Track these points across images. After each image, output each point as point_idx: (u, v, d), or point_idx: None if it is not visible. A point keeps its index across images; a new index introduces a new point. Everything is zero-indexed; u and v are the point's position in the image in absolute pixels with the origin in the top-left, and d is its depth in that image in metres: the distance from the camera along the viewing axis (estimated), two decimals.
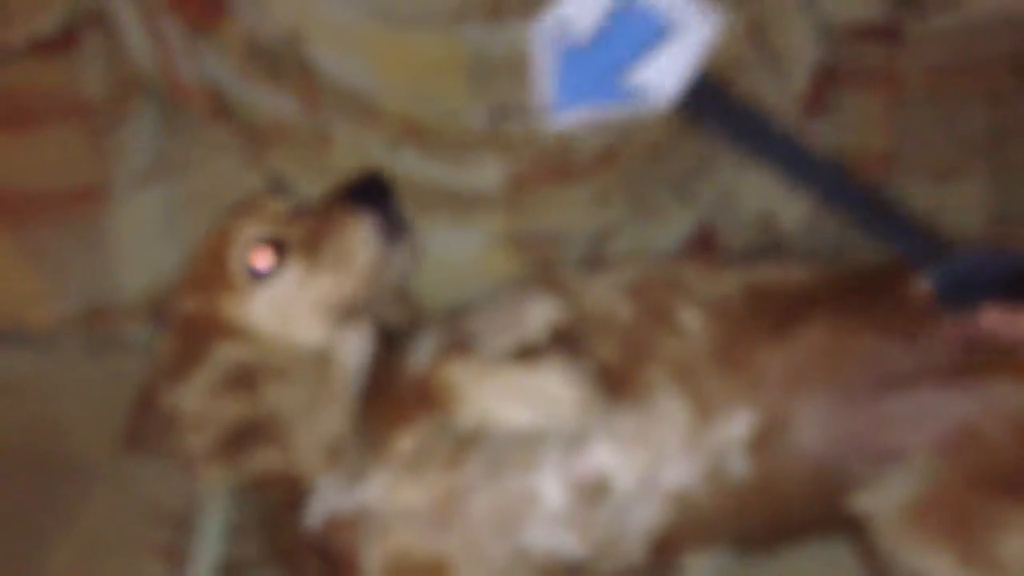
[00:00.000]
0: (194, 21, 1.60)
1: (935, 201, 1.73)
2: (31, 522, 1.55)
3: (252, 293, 1.45)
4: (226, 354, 1.43)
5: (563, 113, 1.61)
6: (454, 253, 1.73)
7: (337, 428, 1.42)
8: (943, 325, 1.44)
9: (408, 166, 1.68)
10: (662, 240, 1.77)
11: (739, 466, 1.42)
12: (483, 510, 1.43)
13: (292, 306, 1.45)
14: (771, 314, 1.49)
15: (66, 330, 1.75)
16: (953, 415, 1.40)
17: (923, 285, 1.47)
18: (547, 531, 1.43)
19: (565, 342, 1.48)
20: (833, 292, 1.51)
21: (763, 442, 1.42)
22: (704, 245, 1.78)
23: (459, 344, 1.51)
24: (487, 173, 1.68)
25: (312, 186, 1.71)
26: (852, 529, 1.44)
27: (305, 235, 1.47)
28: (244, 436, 1.40)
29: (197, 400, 1.41)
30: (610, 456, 1.43)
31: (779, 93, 1.69)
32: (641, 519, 1.43)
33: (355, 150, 1.68)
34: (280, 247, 1.46)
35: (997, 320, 1.41)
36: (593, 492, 1.43)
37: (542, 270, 1.73)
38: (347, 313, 1.47)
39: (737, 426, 1.42)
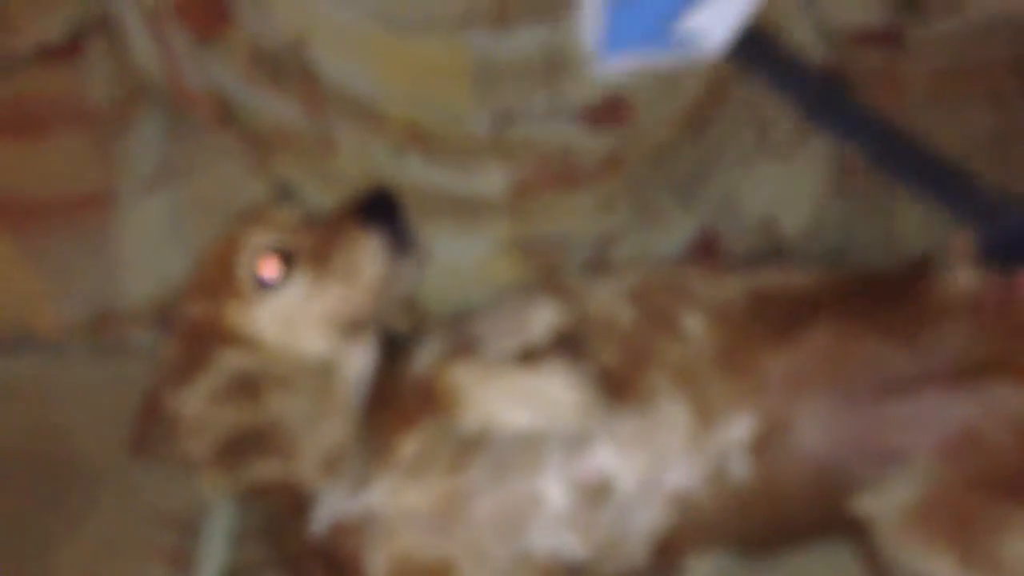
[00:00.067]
0: (199, 28, 1.61)
1: (935, 208, 1.73)
2: (37, 526, 1.55)
3: (258, 302, 1.46)
4: (229, 361, 1.43)
5: (611, 59, 1.60)
6: (458, 259, 1.73)
7: (338, 439, 1.42)
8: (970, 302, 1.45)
9: (412, 172, 1.68)
10: (665, 245, 1.78)
11: (741, 468, 1.42)
12: (486, 512, 1.44)
13: (298, 317, 1.46)
14: (773, 319, 1.49)
15: (72, 335, 1.75)
16: (955, 418, 1.40)
17: (969, 241, 1.48)
18: (550, 533, 1.43)
19: (568, 346, 1.49)
20: (835, 296, 1.51)
21: (765, 445, 1.42)
22: (706, 250, 1.78)
23: (462, 348, 1.51)
24: (491, 179, 1.69)
25: (317, 192, 1.73)
26: (854, 532, 1.44)
27: (313, 247, 1.48)
28: (244, 444, 1.41)
29: (198, 405, 1.42)
30: (612, 458, 1.43)
31: (778, 100, 1.69)
32: (643, 521, 1.44)
33: (359, 156, 1.68)
34: (288, 257, 1.46)
35: None
36: (595, 494, 1.43)
37: (546, 275, 1.73)
38: (352, 326, 1.48)
39: (739, 429, 1.42)
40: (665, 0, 1.57)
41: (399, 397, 1.49)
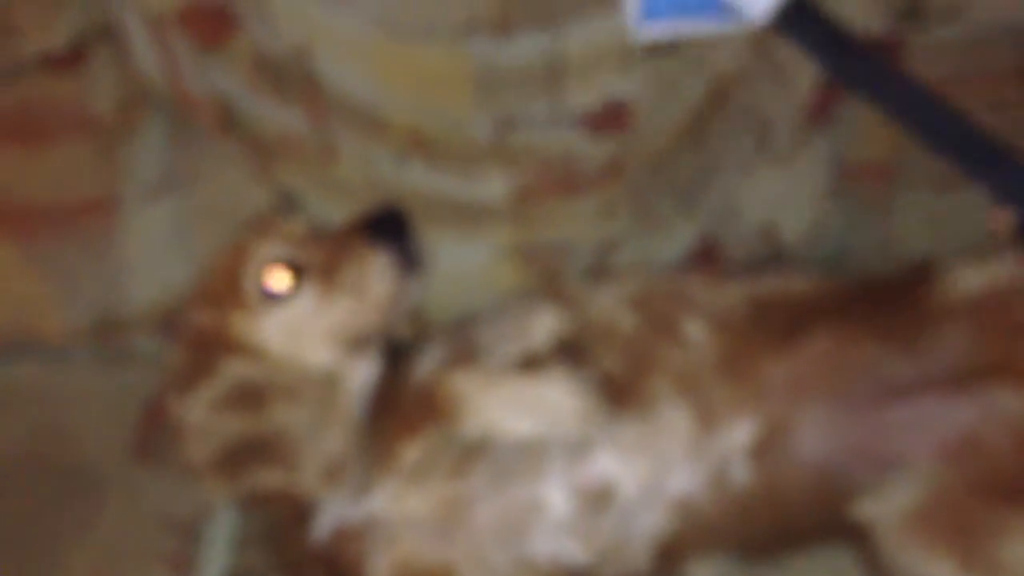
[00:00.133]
0: (202, 37, 1.61)
1: (936, 211, 1.74)
2: (42, 531, 1.56)
3: (264, 313, 1.46)
4: (234, 370, 1.44)
5: (651, 24, 1.58)
6: (460, 265, 1.73)
7: (339, 450, 1.42)
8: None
9: (415, 179, 1.69)
10: (666, 252, 1.78)
11: (742, 474, 1.42)
12: (488, 518, 1.44)
13: (303, 329, 1.47)
14: (774, 325, 1.49)
15: (76, 341, 1.76)
16: (955, 423, 1.40)
17: (1010, 219, 1.46)
18: (552, 539, 1.44)
19: (569, 353, 1.49)
20: (836, 302, 1.51)
21: (766, 450, 1.42)
22: (707, 256, 1.79)
23: (464, 355, 1.52)
24: (493, 185, 1.69)
25: (319, 199, 1.73)
26: (855, 536, 1.44)
27: (322, 261, 1.48)
28: (245, 452, 1.41)
29: (201, 412, 1.42)
30: (614, 464, 1.44)
31: (782, 104, 1.70)
32: (645, 526, 1.44)
33: (362, 163, 1.68)
34: (296, 270, 1.47)
35: None
36: (597, 500, 1.43)
37: (547, 282, 1.74)
38: (357, 341, 1.49)
39: (740, 434, 1.42)
40: None
41: (401, 404, 1.49)
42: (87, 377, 1.76)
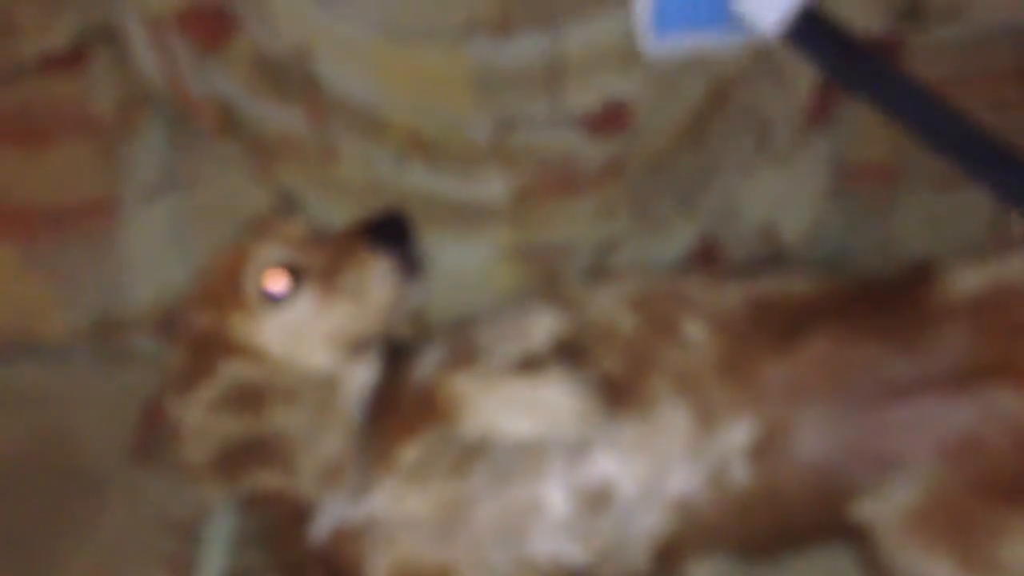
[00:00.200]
0: (202, 38, 1.61)
1: (936, 212, 1.74)
2: (42, 532, 1.56)
3: (264, 315, 1.46)
4: (232, 371, 1.44)
5: (663, 39, 1.59)
6: (460, 266, 1.74)
7: (336, 453, 1.42)
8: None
9: (414, 180, 1.69)
10: (665, 252, 1.78)
11: (741, 474, 1.42)
12: (488, 519, 1.44)
13: (303, 332, 1.47)
14: (774, 326, 1.49)
15: (76, 342, 1.76)
16: (955, 423, 1.40)
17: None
18: (551, 539, 1.44)
19: (569, 353, 1.49)
20: (835, 303, 1.51)
21: (765, 450, 1.42)
22: (706, 256, 1.79)
23: (464, 356, 1.52)
24: (492, 186, 1.69)
25: (319, 200, 1.73)
26: (854, 536, 1.44)
27: (322, 264, 1.48)
28: (243, 453, 1.41)
29: (199, 413, 1.42)
30: (613, 464, 1.43)
31: (782, 104, 1.70)
32: (644, 526, 1.44)
33: (362, 164, 1.69)
34: (296, 273, 1.46)
35: None
36: (597, 500, 1.43)
37: (547, 282, 1.74)
38: (357, 344, 1.49)
39: (739, 434, 1.42)
40: None
41: (401, 404, 1.49)
42: (87, 378, 1.76)
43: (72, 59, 1.63)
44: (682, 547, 1.46)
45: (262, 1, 1.57)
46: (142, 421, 1.68)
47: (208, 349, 1.46)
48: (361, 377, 1.50)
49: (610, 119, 1.64)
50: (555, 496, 1.44)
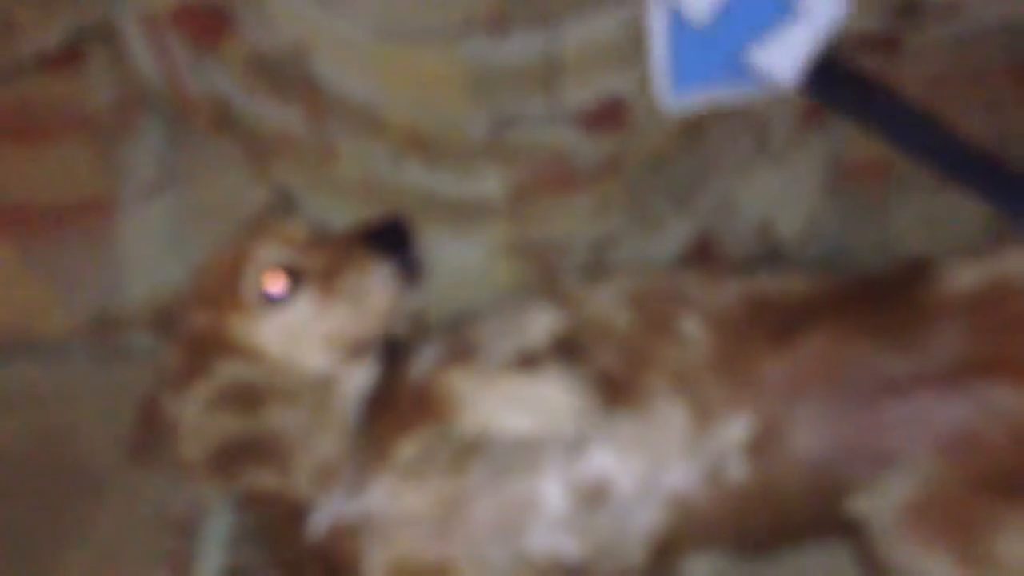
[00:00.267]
0: (198, 36, 1.62)
1: (933, 210, 1.74)
2: (40, 530, 1.56)
3: (262, 316, 1.46)
4: (228, 370, 1.43)
5: (681, 94, 1.61)
6: (458, 263, 1.74)
7: (332, 455, 1.42)
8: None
9: (412, 177, 1.69)
10: (662, 249, 1.79)
11: (738, 470, 1.42)
12: (485, 515, 1.43)
13: (301, 334, 1.46)
14: (770, 322, 1.49)
15: (74, 340, 1.77)
16: (951, 420, 1.40)
17: None
18: (548, 535, 1.43)
19: (566, 351, 1.49)
20: (832, 300, 1.50)
21: (762, 446, 1.42)
22: (703, 253, 1.79)
23: (461, 353, 1.51)
24: (490, 184, 1.70)
25: (317, 198, 1.74)
26: (851, 532, 1.43)
27: (322, 267, 1.47)
28: (238, 453, 1.41)
29: (195, 412, 1.41)
30: (610, 461, 1.43)
31: (776, 103, 1.70)
32: (641, 522, 1.44)
33: (359, 162, 1.69)
34: (295, 275, 1.46)
35: None
36: (594, 496, 1.43)
37: (544, 279, 1.75)
38: (355, 348, 1.49)
39: (736, 430, 1.42)
40: (734, 35, 1.59)
41: (398, 401, 1.49)
42: (85, 375, 1.76)
43: (69, 58, 1.64)
44: (679, 543, 1.46)
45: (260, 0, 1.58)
46: (139, 419, 1.68)
47: (205, 348, 1.45)
48: (358, 379, 1.50)
49: (607, 117, 1.64)
50: (552, 492, 1.43)
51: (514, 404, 1.43)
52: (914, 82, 1.70)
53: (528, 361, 1.48)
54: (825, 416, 1.43)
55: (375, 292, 1.48)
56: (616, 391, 1.45)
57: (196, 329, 1.48)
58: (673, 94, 1.61)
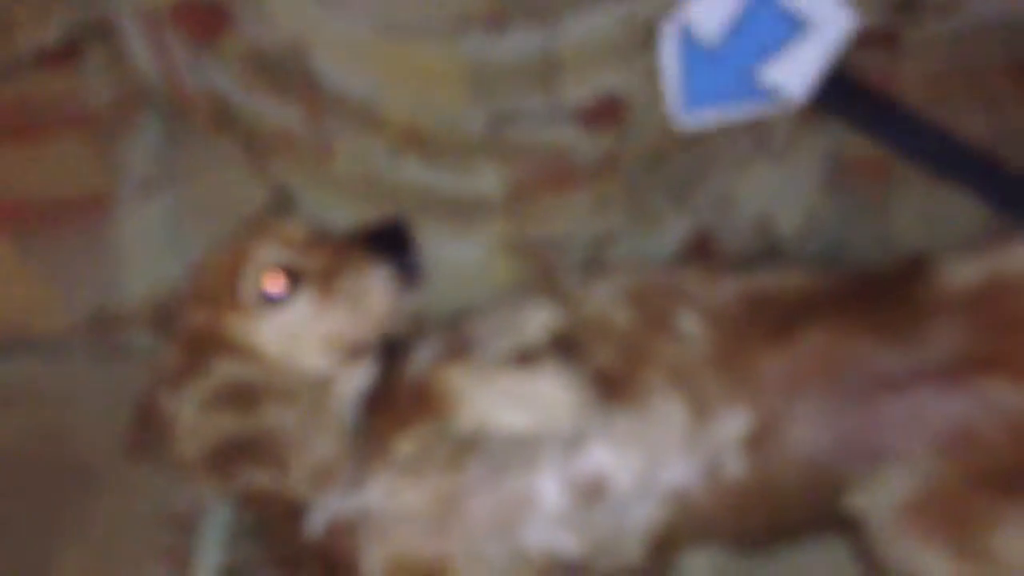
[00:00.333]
0: (196, 32, 1.62)
1: (932, 206, 1.74)
2: (38, 528, 1.56)
3: (260, 316, 1.46)
4: (225, 369, 1.43)
5: (694, 113, 1.63)
6: (456, 260, 1.74)
7: (328, 456, 1.42)
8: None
9: (410, 174, 1.69)
10: (660, 246, 1.78)
11: (736, 466, 1.42)
12: (483, 512, 1.44)
13: (299, 335, 1.46)
14: (769, 318, 1.49)
15: (73, 337, 1.77)
16: (950, 416, 1.40)
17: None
18: (546, 532, 1.43)
19: (563, 347, 1.49)
20: (830, 296, 1.50)
21: (760, 442, 1.42)
22: (702, 250, 1.79)
23: (458, 350, 1.51)
24: (488, 180, 1.70)
25: (315, 195, 1.74)
26: (849, 528, 1.43)
27: (321, 268, 1.47)
28: (235, 452, 1.41)
29: (191, 411, 1.42)
30: (608, 457, 1.43)
31: None
32: (639, 519, 1.44)
33: (358, 159, 1.69)
34: (294, 275, 1.46)
35: None
36: (591, 493, 1.43)
37: (542, 276, 1.74)
38: (353, 350, 1.49)
39: (734, 426, 1.42)
40: (744, 53, 1.60)
41: (396, 398, 1.49)
42: (83, 373, 1.76)
43: (67, 54, 1.64)
44: (677, 539, 1.46)
45: None
46: (138, 416, 1.68)
47: (203, 347, 1.45)
48: (356, 380, 1.50)
49: (605, 114, 1.64)
50: (550, 489, 1.44)
51: (512, 400, 1.43)
52: (912, 79, 1.70)
53: (526, 358, 1.47)
54: (823, 412, 1.43)
55: (374, 295, 1.48)
56: (614, 387, 1.45)
57: (194, 328, 1.48)
58: (686, 113, 1.63)
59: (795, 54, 1.59)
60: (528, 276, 1.76)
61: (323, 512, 1.46)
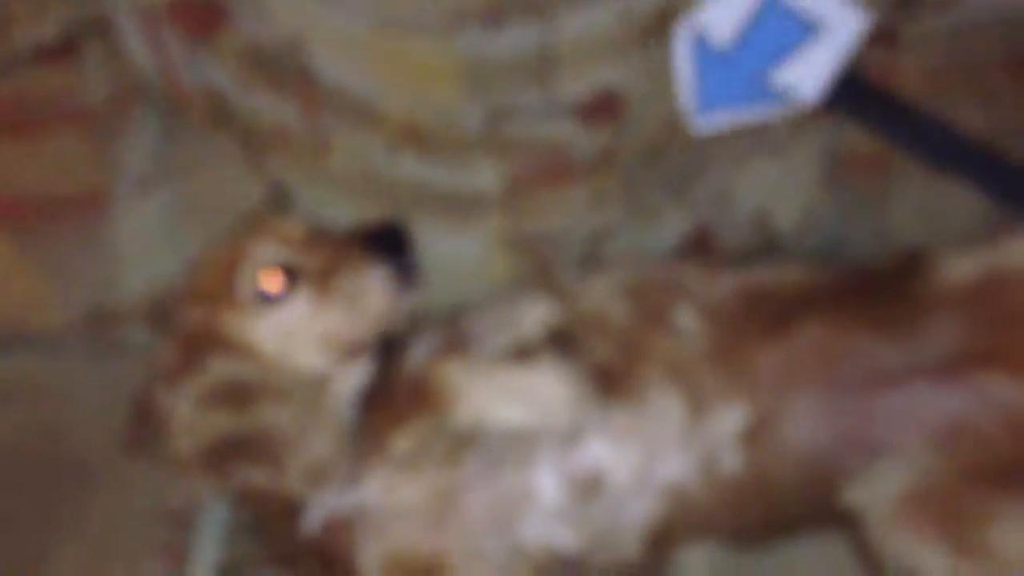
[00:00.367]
0: (193, 29, 1.62)
1: (930, 201, 1.74)
2: (35, 524, 1.56)
3: (256, 314, 1.46)
4: (221, 368, 1.43)
5: (708, 116, 1.64)
6: (453, 256, 1.74)
7: (325, 454, 1.42)
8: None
9: (407, 170, 1.69)
10: (658, 241, 1.78)
11: (733, 460, 1.42)
12: (480, 507, 1.44)
13: (295, 334, 1.46)
14: (766, 314, 1.49)
15: (70, 333, 1.76)
16: (946, 410, 1.40)
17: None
18: (543, 526, 1.44)
19: (560, 342, 1.49)
20: (828, 291, 1.50)
21: (756, 437, 1.42)
22: (699, 245, 1.79)
23: (456, 345, 1.51)
24: (485, 176, 1.70)
25: (312, 191, 1.74)
26: (846, 523, 1.43)
27: (319, 267, 1.47)
28: (231, 450, 1.41)
29: (187, 408, 1.41)
30: (605, 451, 1.43)
31: None
32: (636, 513, 1.44)
33: (355, 155, 1.69)
34: (292, 274, 1.46)
35: None
36: (588, 487, 1.43)
37: (539, 272, 1.74)
38: (349, 349, 1.49)
39: (730, 420, 1.42)
40: (757, 56, 1.61)
41: (393, 394, 1.49)
42: (81, 369, 1.76)
43: (64, 50, 1.64)
44: (674, 534, 1.46)
45: None
46: (135, 413, 1.68)
47: (199, 345, 1.45)
48: (353, 379, 1.50)
49: (602, 108, 1.64)
50: (547, 484, 1.44)
51: (509, 396, 1.43)
52: (910, 73, 1.70)
53: (523, 353, 1.47)
54: (821, 407, 1.43)
55: (370, 295, 1.48)
56: (611, 382, 1.45)
57: (190, 325, 1.48)
58: (700, 116, 1.64)
59: (808, 56, 1.60)
60: (525, 271, 1.76)
61: (320, 509, 1.46)
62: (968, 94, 1.71)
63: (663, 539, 1.46)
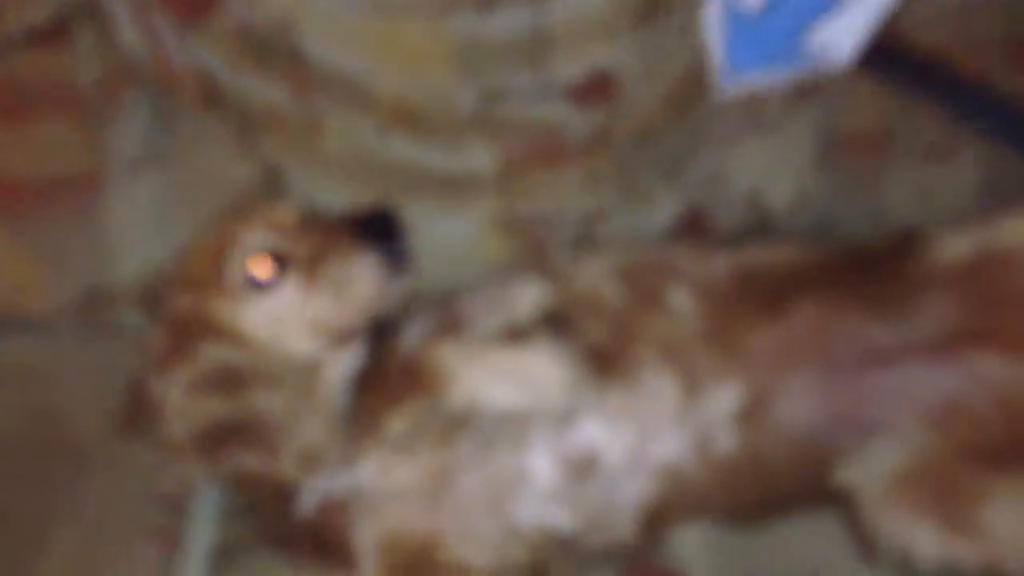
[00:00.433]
0: (184, 12, 1.61)
1: (924, 181, 1.74)
2: (29, 507, 1.56)
3: (246, 300, 1.45)
4: (212, 354, 1.43)
5: (736, 79, 1.63)
6: (446, 237, 1.74)
7: (317, 439, 1.42)
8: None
9: (400, 152, 1.69)
10: (652, 222, 1.78)
11: (727, 440, 1.42)
12: (474, 488, 1.44)
13: (285, 320, 1.46)
14: (760, 293, 1.49)
15: (62, 317, 1.76)
16: (939, 389, 1.40)
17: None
18: (538, 507, 1.44)
19: (554, 324, 1.49)
20: (822, 271, 1.50)
21: (751, 416, 1.42)
22: (693, 225, 1.79)
23: (449, 327, 1.51)
24: (478, 157, 1.70)
25: (304, 174, 1.74)
26: (840, 502, 1.43)
27: (309, 253, 1.47)
28: (223, 435, 1.41)
29: (179, 394, 1.41)
30: (599, 432, 1.43)
31: None
32: (630, 493, 1.44)
33: (346, 137, 1.69)
34: (281, 260, 1.45)
35: None
36: (583, 468, 1.43)
37: (533, 253, 1.74)
38: (340, 335, 1.49)
39: (724, 400, 1.42)
40: (790, 17, 1.60)
41: (387, 376, 1.49)
42: (74, 352, 1.76)
43: (55, 33, 1.63)
44: (669, 514, 1.47)
45: None
46: (128, 396, 1.68)
47: (189, 331, 1.45)
48: (344, 364, 1.50)
49: (595, 90, 1.64)
50: (541, 464, 1.44)
51: (502, 377, 1.43)
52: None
53: (517, 334, 1.47)
54: (814, 386, 1.43)
55: (360, 281, 1.47)
56: (605, 363, 1.45)
57: (180, 311, 1.48)
58: (729, 78, 1.63)
59: (842, 17, 1.59)
60: (519, 253, 1.76)
61: (314, 492, 1.46)
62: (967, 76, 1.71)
63: (658, 519, 1.46)
